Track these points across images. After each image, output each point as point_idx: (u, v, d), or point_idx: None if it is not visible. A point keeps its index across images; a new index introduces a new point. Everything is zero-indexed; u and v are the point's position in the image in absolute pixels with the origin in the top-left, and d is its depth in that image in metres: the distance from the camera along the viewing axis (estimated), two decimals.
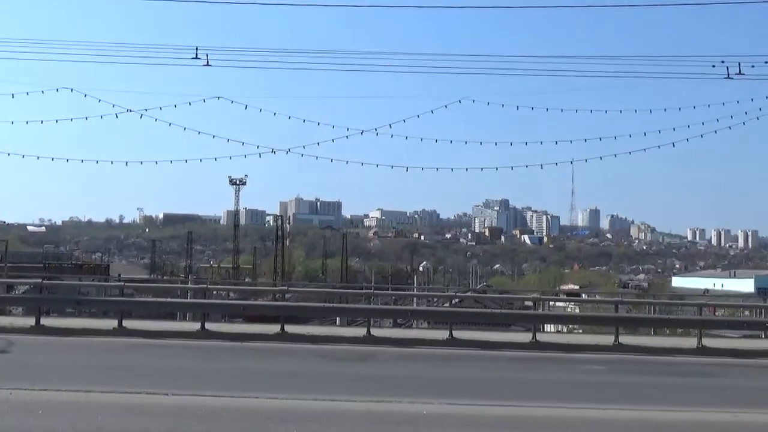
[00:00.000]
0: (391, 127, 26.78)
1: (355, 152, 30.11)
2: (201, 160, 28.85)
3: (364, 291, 31.52)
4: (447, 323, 19.04)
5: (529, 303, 27.97)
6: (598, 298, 41.19)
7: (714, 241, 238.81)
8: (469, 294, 35.67)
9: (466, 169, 39.23)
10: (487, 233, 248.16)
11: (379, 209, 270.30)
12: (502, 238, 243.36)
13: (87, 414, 8.32)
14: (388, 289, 39.26)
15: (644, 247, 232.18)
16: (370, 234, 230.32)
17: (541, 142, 30.99)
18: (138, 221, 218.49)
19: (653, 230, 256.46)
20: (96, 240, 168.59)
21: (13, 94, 25.48)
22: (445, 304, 24.01)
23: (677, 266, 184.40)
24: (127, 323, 18.32)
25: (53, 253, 71.09)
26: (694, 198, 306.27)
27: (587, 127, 31.79)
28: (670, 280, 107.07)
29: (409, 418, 8.71)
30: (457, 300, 28.80)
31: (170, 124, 26.89)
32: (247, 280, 71.91)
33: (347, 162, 31.56)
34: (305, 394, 10.09)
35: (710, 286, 65.80)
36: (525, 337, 18.78)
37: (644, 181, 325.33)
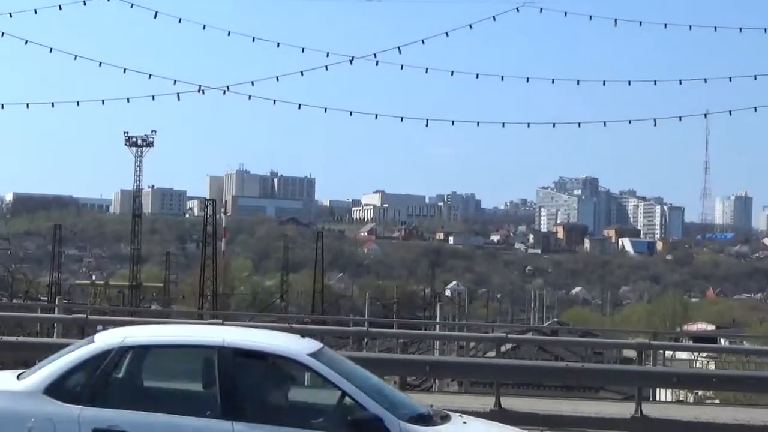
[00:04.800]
0: (400, 51, 26.56)
1: (340, 94, 30.04)
2: (78, 104, 28.72)
3: (352, 329, 31.50)
4: (492, 385, 19.03)
5: (630, 353, 27.92)
6: (747, 345, 41.15)
7: None
8: (529, 336, 35.66)
9: (528, 125, 38.62)
10: (560, 234, 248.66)
11: (378, 191, 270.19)
12: (587, 242, 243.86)
13: None
14: (392, 327, 39.25)
15: None
16: (364, 233, 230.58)
17: (655, 82, 30.97)
18: None
19: None
20: None
21: None
22: (490, 353, 23.93)
23: None
24: None
25: None
26: None
27: (732, 58, 31.66)
28: None
29: None
30: (509, 346, 28.76)
31: (27, 42, 26.92)
32: (154, 307, 71.93)
33: (325, 110, 31.29)
34: None
35: None
36: (623, 409, 18.74)
37: None
